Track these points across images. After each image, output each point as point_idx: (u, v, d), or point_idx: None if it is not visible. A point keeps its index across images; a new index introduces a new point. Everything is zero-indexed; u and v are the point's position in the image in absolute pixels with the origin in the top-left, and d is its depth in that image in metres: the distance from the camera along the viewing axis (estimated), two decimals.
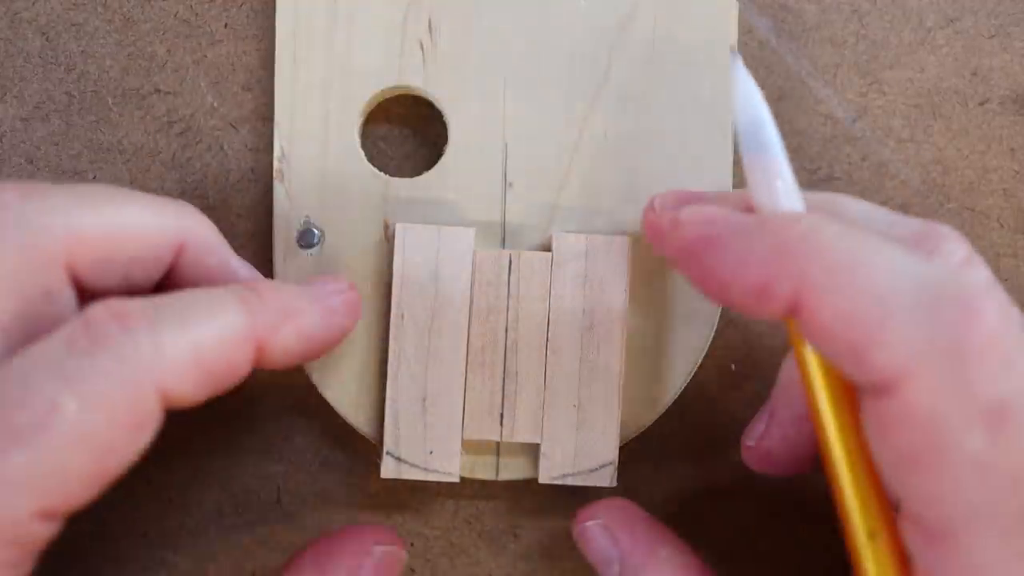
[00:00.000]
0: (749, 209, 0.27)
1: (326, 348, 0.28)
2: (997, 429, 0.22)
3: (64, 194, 0.25)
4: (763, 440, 0.30)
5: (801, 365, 0.26)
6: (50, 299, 0.25)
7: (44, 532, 0.23)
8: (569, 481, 0.31)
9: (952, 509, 0.22)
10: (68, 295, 0.25)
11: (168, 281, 0.28)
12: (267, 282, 0.27)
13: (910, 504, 0.23)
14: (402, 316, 0.30)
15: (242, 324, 0.25)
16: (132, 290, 0.27)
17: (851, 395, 0.26)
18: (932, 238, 0.26)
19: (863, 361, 0.23)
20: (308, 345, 0.27)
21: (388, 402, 0.31)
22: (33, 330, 0.25)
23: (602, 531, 0.30)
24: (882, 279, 0.23)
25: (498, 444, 0.32)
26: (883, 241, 0.24)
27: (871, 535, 0.25)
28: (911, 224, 0.27)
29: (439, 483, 0.33)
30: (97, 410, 0.22)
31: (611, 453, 0.31)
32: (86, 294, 0.26)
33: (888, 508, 0.25)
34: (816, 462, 0.29)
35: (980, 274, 0.26)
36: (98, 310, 0.24)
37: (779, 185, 0.26)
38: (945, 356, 0.22)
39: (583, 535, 0.30)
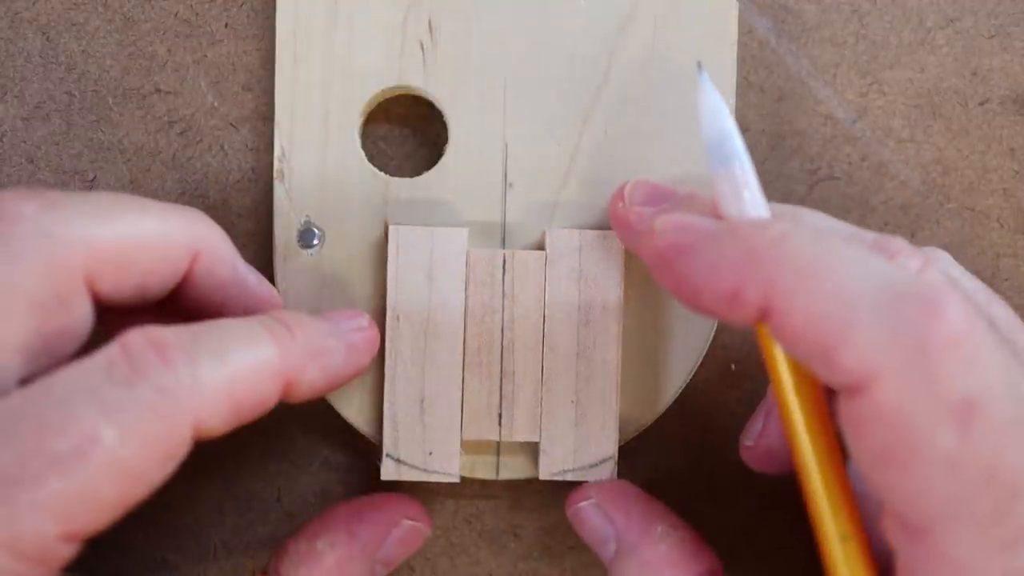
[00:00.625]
0: (718, 213, 0.27)
1: (344, 383, 0.29)
2: (965, 426, 0.22)
3: (82, 205, 0.25)
4: (761, 439, 0.30)
5: (771, 370, 0.26)
6: (69, 311, 0.25)
7: (68, 552, 0.23)
8: (569, 477, 0.31)
9: (928, 505, 0.22)
10: (86, 306, 0.25)
11: (180, 288, 0.28)
12: (295, 316, 0.27)
13: (890, 501, 0.23)
14: (397, 318, 0.30)
15: (275, 360, 0.26)
16: (147, 299, 0.27)
17: (821, 398, 0.26)
18: (888, 248, 0.27)
19: (833, 363, 0.23)
20: (332, 382, 0.28)
21: (386, 404, 0.31)
22: (53, 343, 0.25)
23: (595, 510, 0.30)
24: (849, 282, 0.23)
25: (498, 444, 0.32)
26: (849, 245, 0.24)
27: (843, 538, 0.25)
28: (867, 236, 0.27)
29: (439, 483, 0.33)
30: (134, 442, 0.23)
31: (610, 448, 0.31)
32: (102, 304, 0.26)
33: (858, 511, 0.25)
34: None
35: (939, 275, 0.26)
36: (136, 338, 0.24)
37: (746, 195, 0.27)
38: (910, 355, 0.22)
39: (577, 516, 0.30)
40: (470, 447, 0.32)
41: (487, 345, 0.31)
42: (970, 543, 0.22)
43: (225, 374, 0.24)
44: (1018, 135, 0.33)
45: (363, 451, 0.33)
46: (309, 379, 0.27)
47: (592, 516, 0.30)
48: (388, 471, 0.31)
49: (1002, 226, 0.33)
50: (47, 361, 0.25)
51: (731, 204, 0.27)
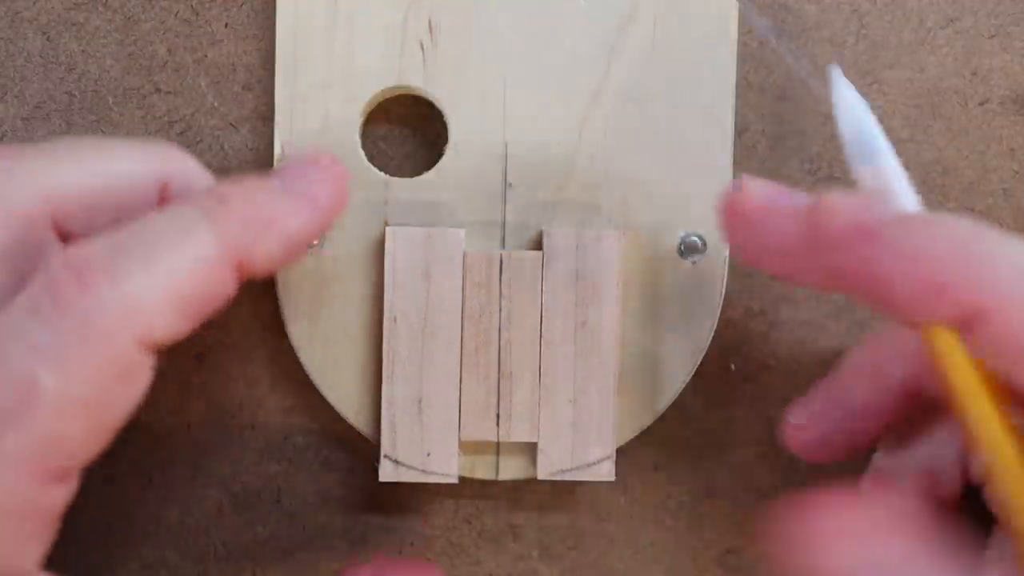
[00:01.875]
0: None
1: (314, 239, 0.27)
2: None
3: (36, 153, 0.25)
4: (815, 423, 0.29)
5: (952, 375, 0.24)
6: (42, 259, 0.24)
7: (60, 495, 0.23)
8: (568, 476, 0.31)
9: None
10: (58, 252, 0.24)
11: None
12: (234, 187, 0.25)
13: None
14: (395, 319, 0.30)
15: (213, 248, 0.24)
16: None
17: (1003, 402, 0.24)
18: None
19: None
20: (295, 247, 0.26)
21: (384, 405, 0.31)
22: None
23: None
24: None
25: (497, 444, 0.32)
26: None
27: None
28: None
29: (439, 483, 0.33)
30: (76, 377, 0.22)
31: (608, 447, 0.31)
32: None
33: None
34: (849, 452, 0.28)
35: None
36: (56, 266, 0.23)
37: (899, 191, 0.25)
38: None
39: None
40: (469, 447, 0.32)
41: (484, 346, 0.31)
42: None
43: (156, 280, 0.23)
44: (1018, 135, 0.33)
45: (363, 451, 0.33)
46: (263, 252, 0.25)
47: None
48: (386, 472, 0.31)
49: (1002, 226, 0.33)
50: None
51: (884, 202, 0.25)
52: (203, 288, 0.24)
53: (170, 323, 0.23)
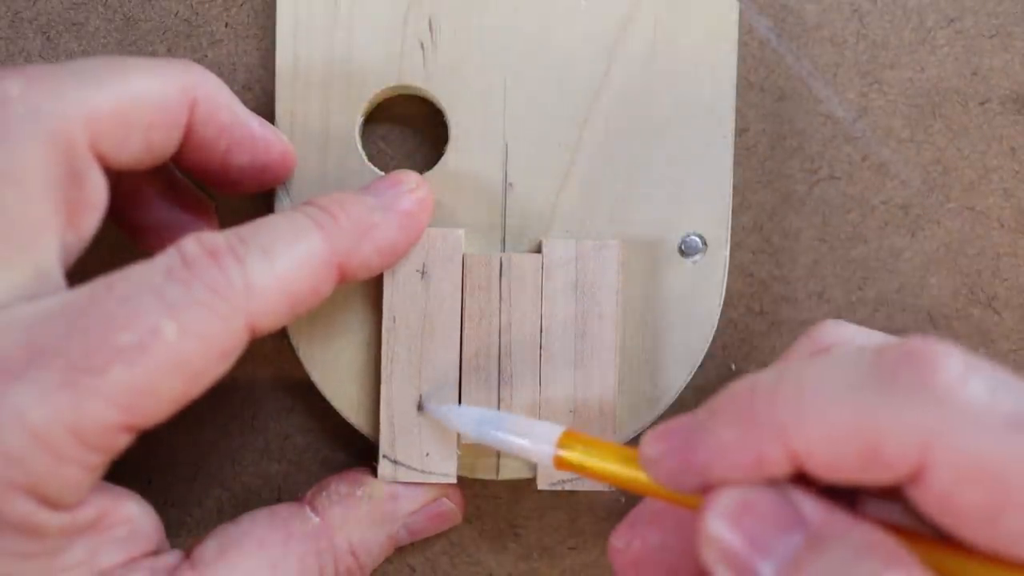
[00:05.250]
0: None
1: (407, 250, 0.30)
2: None
3: (69, 75, 0.25)
4: (634, 546, 0.27)
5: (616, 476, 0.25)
6: (83, 184, 0.26)
7: (123, 443, 0.24)
8: (568, 486, 0.31)
9: None
10: (98, 177, 0.26)
11: (185, 144, 0.28)
12: (339, 199, 0.28)
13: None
14: (394, 319, 0.30)
15: (322, 249, 0.26)
16: (155, 159, 0.27)
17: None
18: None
19: (995, 523, 0.20)
20: (388, 256, 0.29)
21: (383, 405, 0.31)
22: (76, 220, 0.26)
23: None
24: (992, 419, 0.21)
25: None
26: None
27: None
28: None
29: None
30: (193, 338, 0.24)
31: None
32: (111, 171, 0.26)
33: None
34: None
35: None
36: (191, 244, 0.25)
37: (534, 428, 0.28)
38: None
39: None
40: (470, 448, 0.32)
41: (484, 349, 0.31)
42: None
43: (274, 272, 0.25)
44: (1018, 135, 0.33)
45: (363, 451, 0.33)
46: (362, 259, 0.27)
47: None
48: (385, 472, 0.31)
49: (1002, 226, 0.33)
50: (75, 239, 0.26)
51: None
52: (310, 285, 0.26)
53: (278, 313, 0.25)
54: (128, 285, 0.24)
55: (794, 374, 0.23)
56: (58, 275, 0.25)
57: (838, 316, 0.33)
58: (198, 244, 0.25)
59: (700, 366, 0.32)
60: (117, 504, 0.26)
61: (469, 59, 0.31)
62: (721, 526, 0.23)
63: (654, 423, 0.32)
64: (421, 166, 0.33)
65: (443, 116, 0.32)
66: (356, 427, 0.32)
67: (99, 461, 0.24)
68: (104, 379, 0.23)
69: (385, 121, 0.33)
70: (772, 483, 0.23)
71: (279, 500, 0.33)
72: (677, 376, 0.32)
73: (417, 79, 0.31)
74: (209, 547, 0.28)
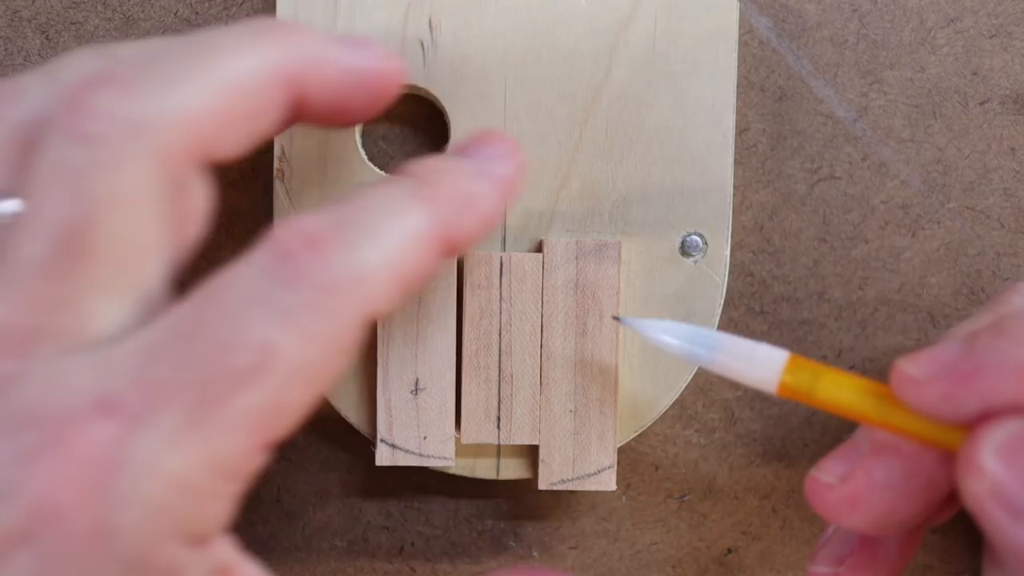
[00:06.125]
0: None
1: (498, 220, 0.28)
2: None
3: (159, 74, 0.23)
4: (848, 484, 0.26)
5: (867, 413, 0.25)
6: (188, 195, 0.24)
7: (261, 462, 0.23)
8: (569, 486, 0.31)
9: None
10: (200, 185, 0.24)
11: (295, 111, 0.25)
12: (436, 168, 0.26)
13: None
14: None
15: (427, 225, 0.24)
16: (262, 140, 0.25)
17: None
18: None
19: None
20: (489, 226, 0.26)
21: (379, 389, 0.31)
22: (182, 233, 0.24)
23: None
24: None
25: (498, 445, 0.32)
26: None
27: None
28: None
29: (440, 482, 0.33)
30: (310, 345, 0.22)
31: (609, 457, 0.31)
32: (219, 166, 0.24)
33: None
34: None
35: None
36: (286, 234, 0.23)
37: (756, 351, 0.27)
38: None
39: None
40: (469, 448, 0.32)
41: (484, 348, 0.31)
42: None
43: (381, 254, 0.23)
44: (1018, 135, 0.33)
45: (363, 451, 0.33)
46: (465, 231, 0.25)
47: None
48: (383, 457, 0.31)
49: (1002, 226, 0.33)
50: (180, 250, 0.24)
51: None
52: (417, 264, 0.24)
53: (390, 297, 0.23)
54: (230, 296, 0.22)
55: None
56: (163, 295, 0.23)
57: (838, 316, 0.33)
58: (294, 232, 0.23)
59: (700, 366, 0.32)
60: (241, 562, 0.24)
61: (469, 59, 0.31)
62: (996, 461, 0.21)
63: (654, 423, 0.32)
64: None
65: (443, 116, 0.32)
66: (356, 427, 0.32)
67: (241, 488, 0.23)
68: (230, 408, 0.22)
69: (385, 121, 0.33)
70: None
71: (279, 500, 0.33)
72: (677, 376, 0.32)
73: (417, 79, 0.31)
74: None
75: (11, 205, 0.23)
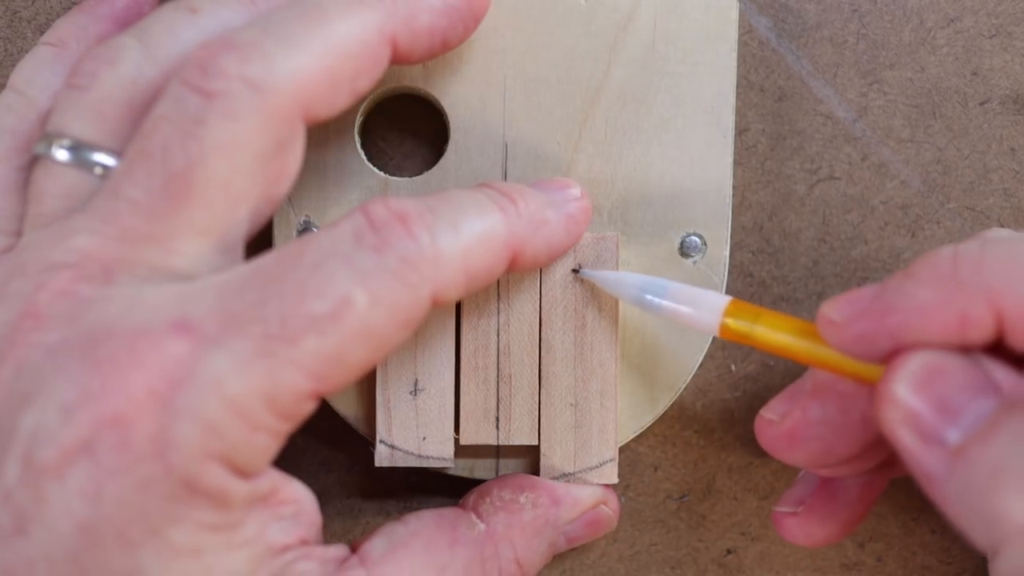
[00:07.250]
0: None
1: (561, 255, 0.30)
2: None
3: (276, 40, 0.25)
4: (787, 420, 0.28)
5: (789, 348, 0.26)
6: (286, 155, 0.26)
7: (309, 410, 0.24)
8: (571, 480, 0.31)
9: None
10: (299, 144, 0.26)
11: (395, 62, 0.28)
12: (517, 188, 0.28)
13: None
14: None
15: (503, 231, 0.26)
16: (360, 99, 0.27)
17: None
18: None
19: None
20: (552, 254, 0.29)
21: (378, 389, 0.31)
22: (272, 189, 0.26)
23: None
24: None
25: (497, 446, 0.32)
26: None
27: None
28: None
29: (439, 483, 0.33)
30: (382, 307, 0.24)
31: (611, 450, 0.31)
32: (315, 124, 0.27)
33: None
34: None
35: None
36: (379, 208, 0.25)
37: (702, 295, 0.28)
38: None
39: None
40: (469, 448, 0.32)
41: (483, 349, 0.31)
42: None
43: (460, 244, 0.25)
44: (1018, 135, 0.33)
45: (363, 451, 0.33)
46: (533, 250, 0.27)
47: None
48: (382, 457, 0.31)
49: (1002, 226, 0.33)
50: (267, 208, 0.26)
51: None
52: (489, 264, 0.26)
53: (456, 286, 0.25)
54: (318, 251, 0.24)
55: (999, 244, 0.23)
56: (241, 248, 0.26)
57: None
58: (387, 209, 0.25)
59: (700, 366, 0.32)
60: (286, 482, 0.26)
61: (469, 59, 0.31)
62: (907, 390, 0.23)
63: (654, 423, 0.32)
64: (421, 166, 0.33)
65: (443, 116, 0.32)
66: (355, 427, 0.32)
67: (287, 429, 0.24)
68: (298, 348, 0.23)
69: (385, 121, 0.33)
70: (963, 350, 0.23)
71: None
72: (677, 376, 0.32)
73: (417, 79, 0.31)
74: (377, 545, 0.28)
75: (106, 158, 0.26)
